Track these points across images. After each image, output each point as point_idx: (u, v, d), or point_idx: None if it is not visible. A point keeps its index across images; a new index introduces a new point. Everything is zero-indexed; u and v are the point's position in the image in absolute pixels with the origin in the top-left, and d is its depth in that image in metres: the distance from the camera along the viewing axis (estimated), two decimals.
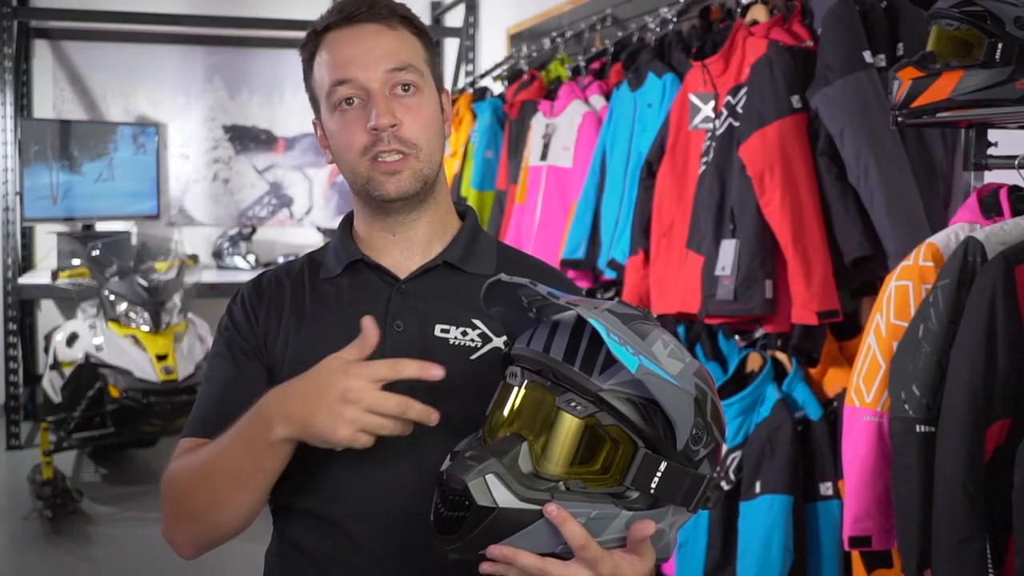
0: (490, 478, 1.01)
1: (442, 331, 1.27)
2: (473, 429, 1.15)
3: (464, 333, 1.27)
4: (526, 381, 1.07)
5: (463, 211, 1.39)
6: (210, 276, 5.86)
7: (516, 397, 1.08)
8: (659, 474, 1.02)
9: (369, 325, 1.12)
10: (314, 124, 1.34)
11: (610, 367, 1.02)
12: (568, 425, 1.03)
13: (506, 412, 1.09)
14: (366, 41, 1.25)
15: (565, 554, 1.03)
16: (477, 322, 1.28)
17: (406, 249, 1.32)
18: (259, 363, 1.30)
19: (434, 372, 1.10)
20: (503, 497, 1.00)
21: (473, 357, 1.26)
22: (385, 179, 1.25)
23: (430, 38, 1.32)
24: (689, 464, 1.04)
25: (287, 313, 1.31)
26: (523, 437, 1.04)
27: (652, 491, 1.02)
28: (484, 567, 1.03)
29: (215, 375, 1.32)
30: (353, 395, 1.08)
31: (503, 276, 1.08)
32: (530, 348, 1.07)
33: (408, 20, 1.29)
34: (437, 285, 1.31)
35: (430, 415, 1.10)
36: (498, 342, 1.27)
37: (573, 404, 1.02)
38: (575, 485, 1.02)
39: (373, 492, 1.22)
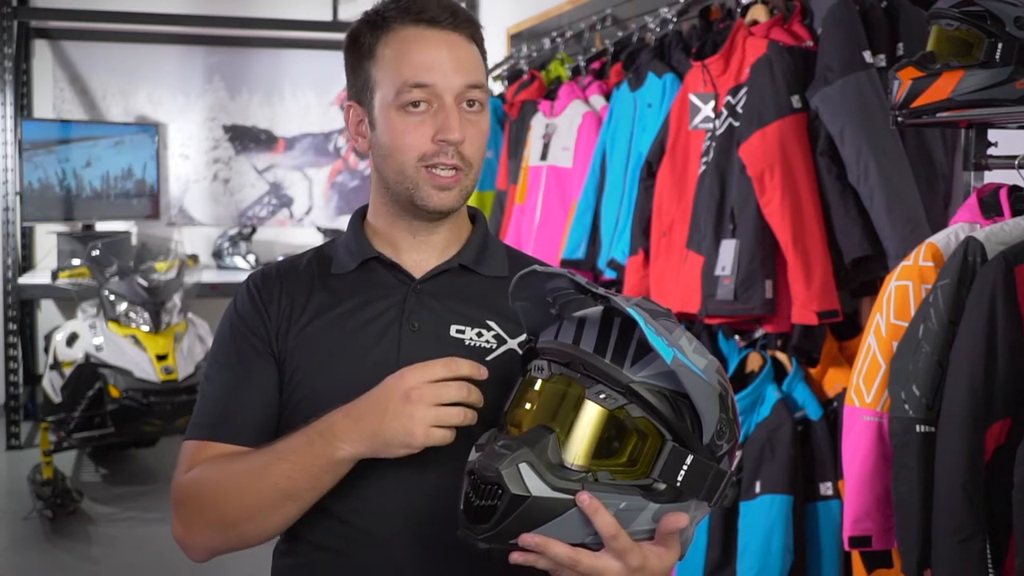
0: (523, 467, 1.01)
1: (458, 331, 1.27)
2: (490, 427, 1.15)
3: (480, 334, 1.27)
4: (553, 374, 1.07)
5: (473, 214, 1.39)
6: (210, 276, 5.86)
7: (542, 390, 1.08)
8: (685, 467, 1.03)
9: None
10: (348, 107, 1.31)
11: (641, 359, 1.03)
12: (597, 416, 1.03)
13: (530, 405, 1.09)
14: (449, 50, 1.24)
15: (594, 545, 1.03)
16: (492, 323, 1.28)
17: (423, 250, 1.31)
18: (269, 360, 1.28)
19: (483, 372, 1.14)
20: (536, 486, 1.01)
21: (489, 358, 1.26)
22: (435, 192, 1.24)
23: (487, 56, 1.33)
24: (712, 458, 1.05)
25: (299, 305, 1.29)
26: (551, 429, 1.04)
27: (678, 484, 1.03)
28: (515, 556, 1.03)
29: (220, 374, 1.29)
30: (416, 393, 1.11)
31: (538, 267, 1.08)
32: (558, 340, 1.07)
33: (479, 37, 1.29)
34: (452, 286, 1.30)
35: (480, 399, 1.15)
36: (513, 344, 1.27)
37: (603, 396, 1.03)
38: (603, 476, 1.03)
39: (391, 489, 1.22)
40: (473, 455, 1.08)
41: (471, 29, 1.28)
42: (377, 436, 1.12)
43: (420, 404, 1.10)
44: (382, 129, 1.26)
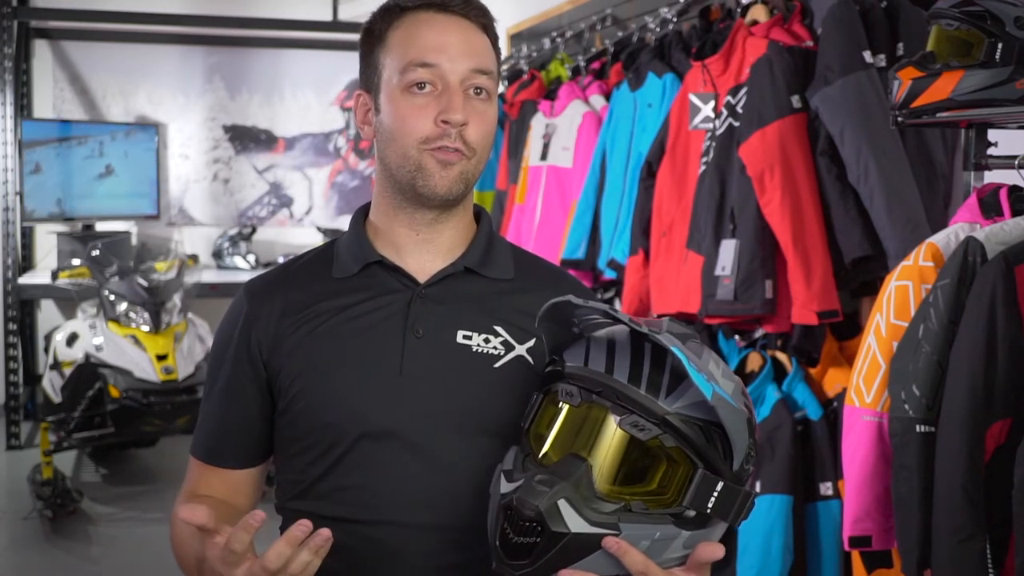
0: (562, 503, 1.01)
1: (464, 338, 1.24)
2: (499, 436, 1.14)
3: (487, 340, 1.24)
4: (583, 401, 1.06)
5: (477, 212, 1.36)
6: (210, 276, 5.85)
7: (572, 417, 1.07)
8: (716, 494, 1.03)
9: (191, 515, 1.05)
10: (357, 96, 1.29)
11: (675, 390, 1.02)
12: (632, 447, 1.03)
13: (560, 431, 1.08)
14: (458, 34, 1.23)
15: None
16: (499, 329, 1.25)
17: (427, 252, 1.28)
18: (255, 381, 1.28)
19: (254, 522, 1.04)
20: (575, 522, 1.01)
21: (497, 365, 1.24)
22: (437, 170, 1.21)
23: (500, 53, 1.31)
24: (739, 482, 1.05)
25: (297, 312, 1.27)
26: (583, 458, 1.04)
27: (708, 511, 1.03)
28: None
29: (213, 393, 1.32)
30: None
31: (572, 298, 1.07)
32: (589, 368, 1.06)
33: (491, 29, 1.28)
34: (458, 290, 1.27)
35: (295, 534, 1.03)
36: (521, 350, 1.25)
37: (637, 427, 1.02)
38: (636, 506, 1.03)
39: (399, 498, 1.21)
40: (504, 485, 1.06)
41: (483, 19, 1.26)
42: None
43: None
44: (386, 112, 1.24)
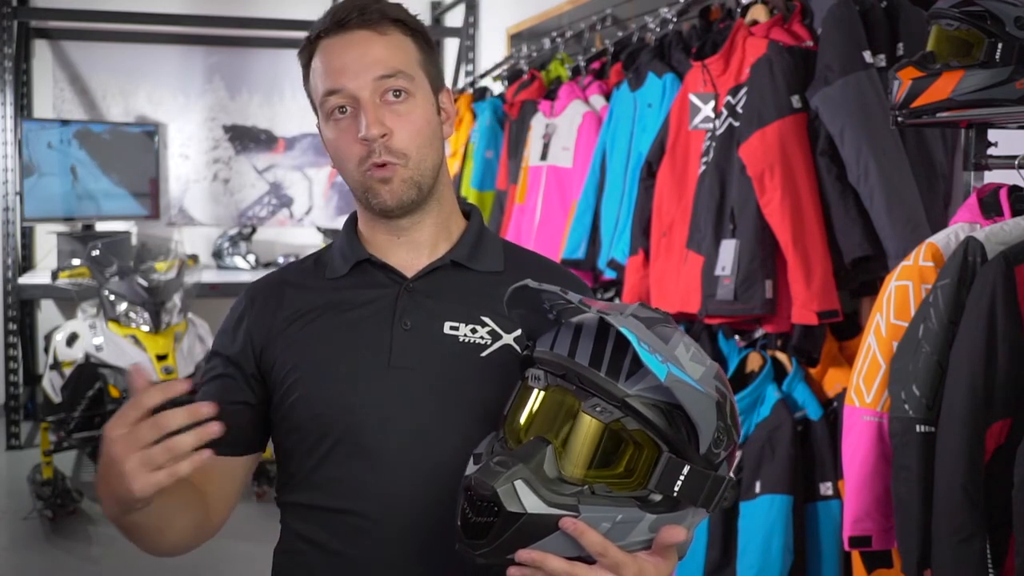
0: (518, 484, 1.01)
1: (451, 328, 1.27)
2: (486, 425, 1.15)
3: (473, 331, 1.27)
4: (549, 385, 1.07)
5: (468, 210, 1.39)
6: (210, 276, 5.86)
7: (539, 400, 1.09)
8: (682, 477, 1.03)
9: (135, 373, 1.05)
10: (318, 126, 1.33)
11: (636, 372, 1.03)
12: (593, 430, 1.03)
13: (528, 415, 1.09)
14: (355, 49, 1.24)
15: (591, 557, 1.04)
16: (486, 319, 1.28)
17: (412, 250, 1.31)
18: (243, 371, 1.31)
19: (176, 388, 1.04)
20: (531, 503, 1.01)
21: (483, 355, 1.26)
22: (380, 187, 1.24)
23: (426, 37, 1.30)
24: (710, 467, 1.05)
25: (291, 310, 1.31)
26: (547, 441, 1.05)
27: (675, 494, 1.03)
28: (512, 571, 1.04)
29: (206, 385, 1.35)
30: (116, 449, 1.03)
31: (530, 282, 1.08)
32: (554, 352, 1.07)
33: (401, 22, 1.26)
34: (445, 283, 1.30)
35: (199, 410, 1.04)
36: (508, 339, 1.27)
37: (599, 409, 1.03)
38: (600, 489, 1.03)
39: (389, 488, 1.23)
40: (470, 468, 1.08)
41: (382, 22, 1.25)
42: (115, 497, 1.06)
43: (123, 459, 1.02)
44: (327, 142, 1.29)
